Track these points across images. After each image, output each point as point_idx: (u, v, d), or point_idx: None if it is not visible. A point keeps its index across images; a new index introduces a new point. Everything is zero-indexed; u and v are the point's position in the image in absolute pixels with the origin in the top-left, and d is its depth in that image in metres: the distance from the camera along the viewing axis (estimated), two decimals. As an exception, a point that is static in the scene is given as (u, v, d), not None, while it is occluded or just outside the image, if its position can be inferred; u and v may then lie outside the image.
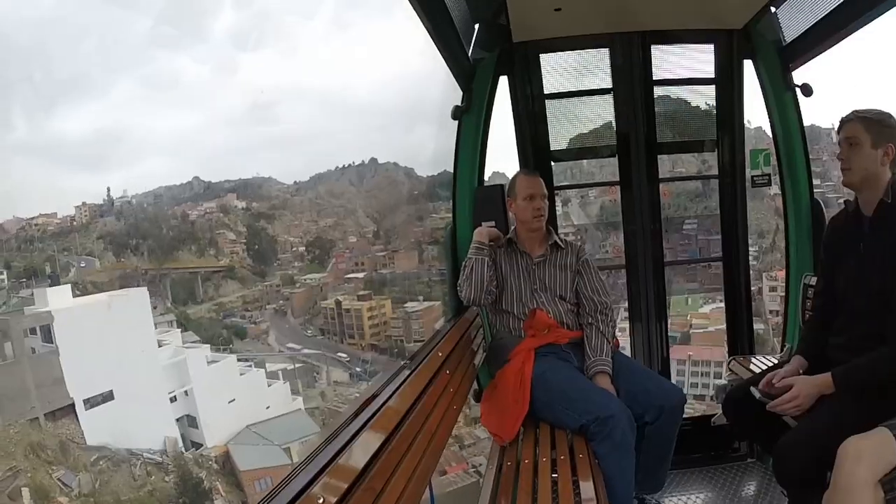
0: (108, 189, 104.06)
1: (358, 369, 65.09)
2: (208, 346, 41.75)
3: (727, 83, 4.12)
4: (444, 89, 4.13)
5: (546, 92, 4.28)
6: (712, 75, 4.17)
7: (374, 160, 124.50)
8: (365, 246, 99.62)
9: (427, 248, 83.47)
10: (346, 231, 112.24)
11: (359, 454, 1.53)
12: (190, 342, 42.30)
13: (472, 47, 3.91)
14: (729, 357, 4.18)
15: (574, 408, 2.79)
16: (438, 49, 3.22)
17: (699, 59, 4.21)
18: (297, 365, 54.98)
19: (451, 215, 4.29)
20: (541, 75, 4.24)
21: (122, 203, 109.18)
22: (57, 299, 35.68)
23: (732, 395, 2.96)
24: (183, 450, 34.37)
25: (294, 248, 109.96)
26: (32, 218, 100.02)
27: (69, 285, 40.31)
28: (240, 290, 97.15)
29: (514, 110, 4.30)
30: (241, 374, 40.44)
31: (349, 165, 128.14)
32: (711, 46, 4.12)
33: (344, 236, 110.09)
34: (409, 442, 1.90)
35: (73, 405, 31.73)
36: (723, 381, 4.16)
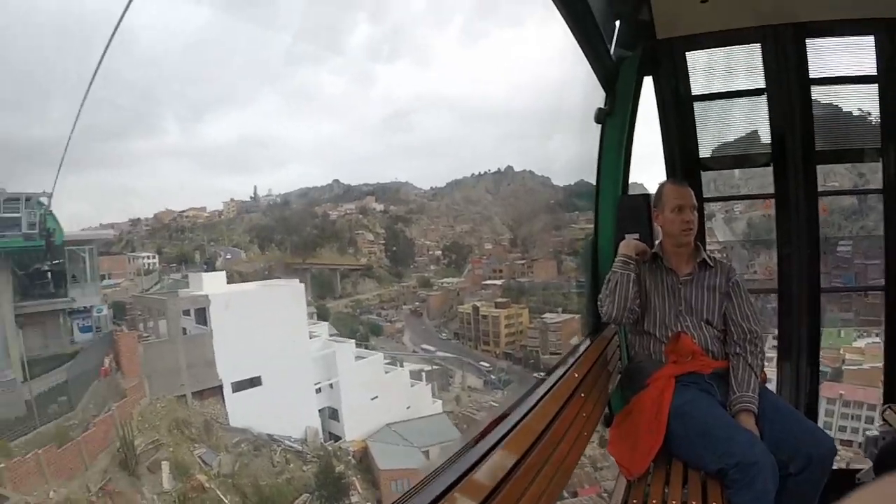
0: (255, 188, 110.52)
1: (492, 377, 64.41)
2: (353, 341, 42.46)
3: (892, 82, 3.66)
4: (584, 93, 4.02)
5: (694, 93, 4.03)
6: (874, 72, 3.70)
7: (510, 168, 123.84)
8: (502, 253, 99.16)
9: (566, 259, 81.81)
10: (482, 237, 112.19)
11: (491, 472, 1.50)
12: (329, 336, 42.95)
13: (613, 46, 3.68)
14: (884, 404, 3.68)
15: (714, 448, 2.56)
16: (581, 46, 3.09)
17: (858, 55, 3.77)
18: (433, 367, 54.75)
19: (590, 227, 4.11)
20: (687, 75, 3.99)
21: (268, 201, 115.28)
22: (212, 284, 37.11)
23: (885, 450, 2.62)
24: (322, 441, 34.74)
25: (430, 252, 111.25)
26: (183, 211, 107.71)
27: (223, 272, 41.99)
28: (376, 289, 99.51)
29: (660, 113, 4.08)
30: (386, 373, 40.59)
31: (485, 173, 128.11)
32: (871, 39, 3.67)
33: (480, 242, 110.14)
34: (539, 466, 1.82)
35: (220, 387, 32.89)
36: (874, 432, 3.66)
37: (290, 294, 37.46)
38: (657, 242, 3.30)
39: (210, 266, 67.44)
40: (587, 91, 3.91)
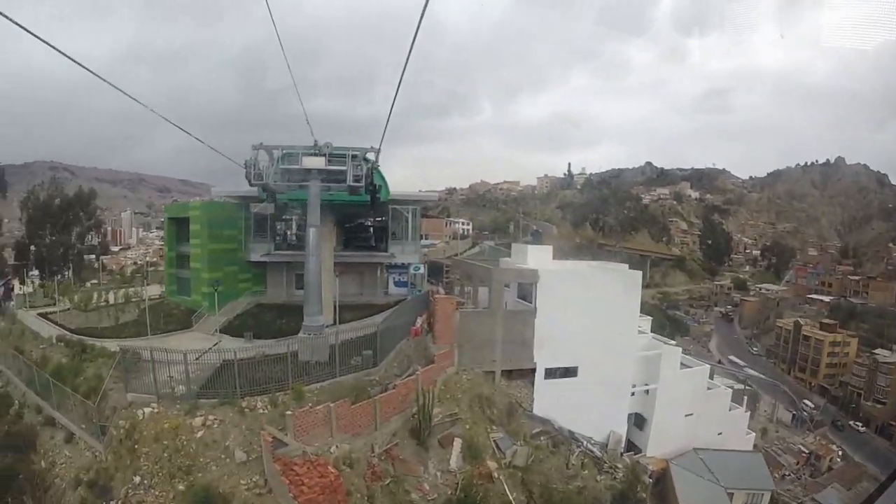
0: (569, 165, 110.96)
1: (804, 413, 55.17)
2: (679, 346, 36.83)
3: None
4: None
5: None
6: None
7: (840, 159, 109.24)
8: (828, 263, 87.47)
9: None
10: (805, 241, 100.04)
11: None
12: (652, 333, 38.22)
13: None
14: None
15: None
16: None
17: None
18: (742, 386, 47.52)
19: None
20: None
21: (581, 179, 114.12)
22: (537, 257, 34.59)
23: None
24: (622, 450, 30.81)
25: (747, 250, 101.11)
26: (498, 183, 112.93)
27: (550, 246, 38.45)
28: (686, 283, 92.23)
29: None
30: (708, 389, 35.41)
31: (811, 164, 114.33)
32: None
33: (804, 246, 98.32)
34: None
35: (533, 370, 30.03)
36: None
37: (624, 280, 32.67)
38: None
39: (537, 238, 66.31)
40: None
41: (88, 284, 54.41)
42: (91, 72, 10.94)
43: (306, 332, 27.75)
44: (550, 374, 30.12)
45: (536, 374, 30.02)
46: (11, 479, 23.59)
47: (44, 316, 39.96)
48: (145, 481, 20.51)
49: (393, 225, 41.15)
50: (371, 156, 29.26)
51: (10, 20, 8.15)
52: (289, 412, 21.54)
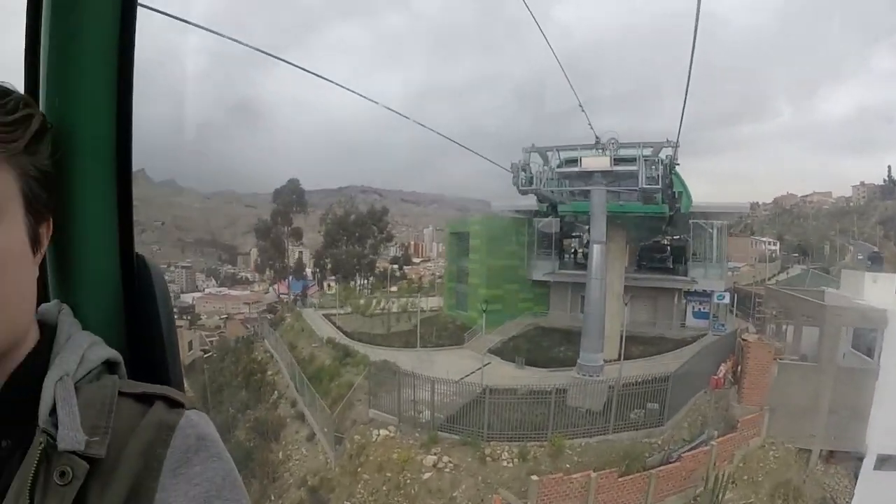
0: (889, 169, 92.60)
1: None
2: None
3: None
4: None
5: None
6: None
7: None
8: None
9: None
10: None
11: None
12: None
13: None
14: None
15: None
16: None
17: None
18: None
19: None
20: None
21: None
22: (876, 292, 26.14)
23: None
24: None
25: None
26: (806, 195, 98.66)
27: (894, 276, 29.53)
28: None
29: None
30: None
31: None
32: None
33: None
34: None
35: (860, 454, 22.26)
36: None
37: None
38: None
39: (876, 262, 55.23)
40: None
41: (380, 291, 57.23)
42: (393, 110, 11.34)
43: (581, 371, 24.03)
44: (883, 462, 21.91)
45: (865, 461, 22.08)
46: (249, 461, 24.19)
47: (327, 317, 41.90)
48: (354, 511, 19.64)
49: (694, 243, 35.66)
50: (667, 153, 24.54)
51: (329, 80, 10.25)
52: (535, 477, 18.18)
